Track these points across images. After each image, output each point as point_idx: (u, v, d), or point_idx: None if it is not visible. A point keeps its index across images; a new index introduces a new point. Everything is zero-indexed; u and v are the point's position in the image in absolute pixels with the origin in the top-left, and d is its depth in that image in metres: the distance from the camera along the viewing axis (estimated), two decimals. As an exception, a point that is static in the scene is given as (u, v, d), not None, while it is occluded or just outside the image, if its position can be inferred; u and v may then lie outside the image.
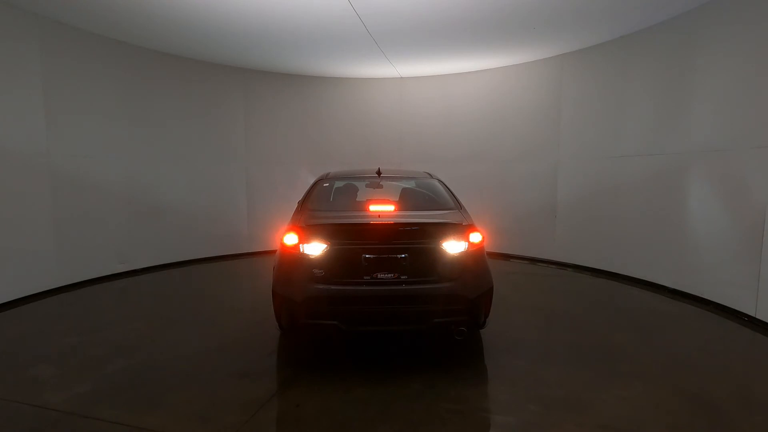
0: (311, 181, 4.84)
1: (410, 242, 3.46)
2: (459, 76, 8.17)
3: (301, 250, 3.40)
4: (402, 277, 3.39)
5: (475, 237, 3.51)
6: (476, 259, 3.51)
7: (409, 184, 4.67)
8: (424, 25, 5.69)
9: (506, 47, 6.71)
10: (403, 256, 3.39)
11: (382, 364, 3.61)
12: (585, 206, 6.88)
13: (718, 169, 4.98)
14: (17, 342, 4.08)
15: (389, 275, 3.38)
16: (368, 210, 3.87)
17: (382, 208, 3.85)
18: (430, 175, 4.78)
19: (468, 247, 3.47)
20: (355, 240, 3.43)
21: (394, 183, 4.81)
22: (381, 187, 4.68)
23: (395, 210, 3.95)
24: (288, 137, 8.46)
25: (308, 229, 3.45)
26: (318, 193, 4.32)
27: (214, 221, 7.78)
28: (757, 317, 4.46)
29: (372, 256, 3.37)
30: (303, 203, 4.09)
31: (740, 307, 4.67)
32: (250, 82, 8.07)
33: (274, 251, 4.05)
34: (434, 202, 4.18)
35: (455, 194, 4.34)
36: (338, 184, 4.72)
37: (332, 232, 3.46)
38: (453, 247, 3.44)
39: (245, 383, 3.28)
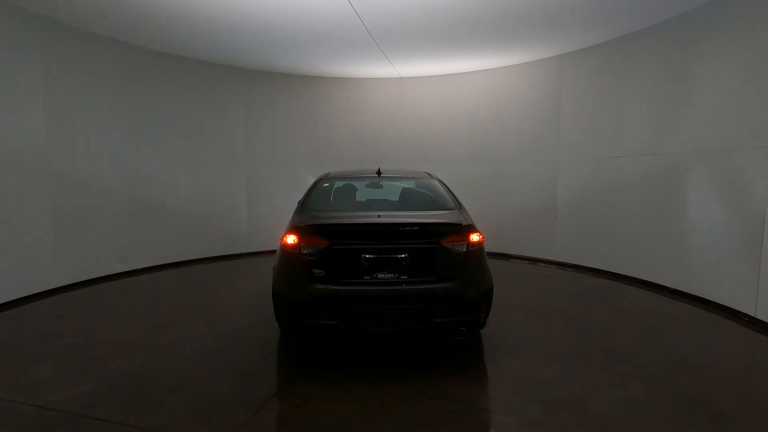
0: (311, 181, 4.84)
1: (410, 242, 3.46)
2: (459, 75, 8.17)
3: (301, 250, 3.40)
4: (402, 277, 3.39)
5: (475, 237, 3.51)
6: (476, 259, 3.51)
7: (409, 184, 4.67)
8: (424, 25, 5.69)
9: (506, 47, 6.71)
10: (403, 256, 3.39)
11: (382, 364, 3.61)
12: (585, 206, 6.88)
13: (718, 169, 4.98)
14: (17, 342, 4.08)
15: (389, 275, 3.38)
16: (368, 211, 3.86)
17: (382, 209, 3.84)
18: (430, 175, 4.78)
19: (468, 247, 3.47)
20: (355, 240, 3.43)
21: (394, 183, 4.81)
22: (381, 187, 4.68)
23: (395, 210, 3.94)
24: (288, 137, 8.46)
25: (308, 229, 3.45)
26: (318, 193, 4.32)
27: (214, 221, 7.78)
28: (757, 317, 4.46)
29: (372, 256, 3.37)
30: (303, 203, 4.09)
31: (740, 307, 4.67)
32: (250, 82, 8.07)
33: (274, 251, 4.05)
34: (434, 202, 4.18)
35: (455, 194, 4.35)
36: (338, 184, 4.72)
37: (332, 232, 3.46)
38: (453, 247, 3.44)
39: (245, 383, 3.28)
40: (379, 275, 3.38)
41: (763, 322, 4.37)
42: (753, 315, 4.50)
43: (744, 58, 4.63)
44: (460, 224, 3.57)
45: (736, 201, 4.75)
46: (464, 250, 3.46)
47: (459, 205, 4.07)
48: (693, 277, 5.29)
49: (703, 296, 5.16)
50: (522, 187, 7.72)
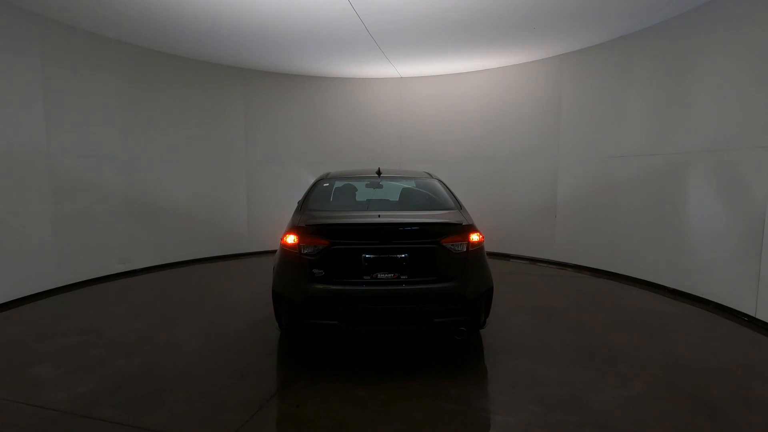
0: (311, 181, 4.84)
1: (410, 242, 3.46)
2: (459, 76, 8.17)
3: (301, 250, 3.40)
4: (402, 277, 3.39)
5: (475, 237, 3.51)
6: (476, 259, 3.51)
7: (409, 184, 4.67)
8: (424, 25, 5.69)
9: (506, 47, 6.71)
10: (403, 256, 3.39)
11: (382, 364, 3.61)
12: (585, 206, 6.88)
13: (717, 169, 4.98)
14: (17, 342, 4.08)
15: (389, 275, 3.39)
16: (368, 211, 3.86)
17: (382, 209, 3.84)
18: (430, 175, 4.78)
19: (468, 247, 3.47)
20: (355, 240, 3.43)
21: (394, 183, 4.81)
22: (381, 187, 4.68)
23: (395, 210, 3.93)
24: (288, 137, 8.46)
25: (308, 229, 3.45)
26: (318, 193, 4.32)
27: (214, 221, 7.79)
28: (757, 317, 4.46)
29: (372, 256, 3.38)
30: (303, 203, 4.09)
31: (740, 307, 4.67)
32: (250, 82, 8.07)
33: (274, 251, 4.05)
34: (434, 202, 4.18)
35: (455, 194, 4.35)
36: (338, 184, 4.72)
37: (332, 232, 3.46)
38: (453, 247, 3.44)
39: (245, 383, 3.28)
40: (378, 275, 3.39)
41: (763, 322, 4.37)
42: (753, 315, 4.50)
43: (744, 58, 4.63)
44: (460, 224, 3.57)
45: (736, 201, 4.75)
46: (464, 249, 3.46)
47: (459, 205, 4.07)
48: (693, 277, 5.29)
49: (703, 296, 5.16)
50: (522, 187, 7.72)
